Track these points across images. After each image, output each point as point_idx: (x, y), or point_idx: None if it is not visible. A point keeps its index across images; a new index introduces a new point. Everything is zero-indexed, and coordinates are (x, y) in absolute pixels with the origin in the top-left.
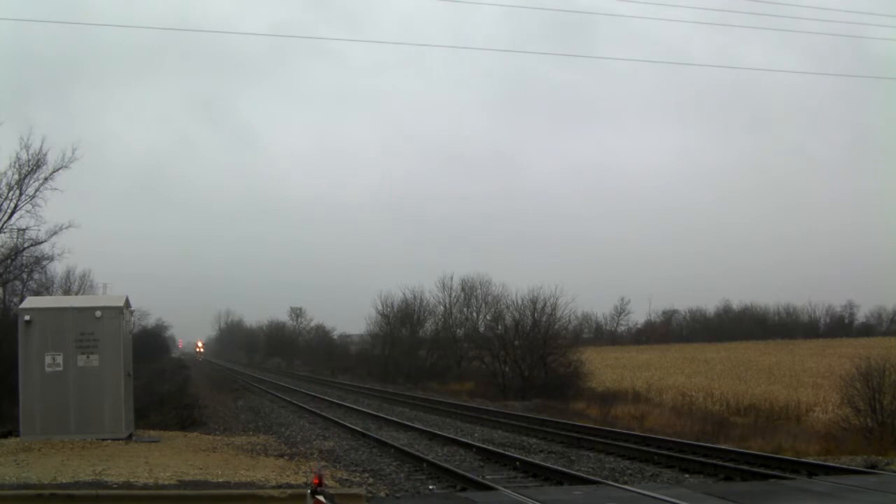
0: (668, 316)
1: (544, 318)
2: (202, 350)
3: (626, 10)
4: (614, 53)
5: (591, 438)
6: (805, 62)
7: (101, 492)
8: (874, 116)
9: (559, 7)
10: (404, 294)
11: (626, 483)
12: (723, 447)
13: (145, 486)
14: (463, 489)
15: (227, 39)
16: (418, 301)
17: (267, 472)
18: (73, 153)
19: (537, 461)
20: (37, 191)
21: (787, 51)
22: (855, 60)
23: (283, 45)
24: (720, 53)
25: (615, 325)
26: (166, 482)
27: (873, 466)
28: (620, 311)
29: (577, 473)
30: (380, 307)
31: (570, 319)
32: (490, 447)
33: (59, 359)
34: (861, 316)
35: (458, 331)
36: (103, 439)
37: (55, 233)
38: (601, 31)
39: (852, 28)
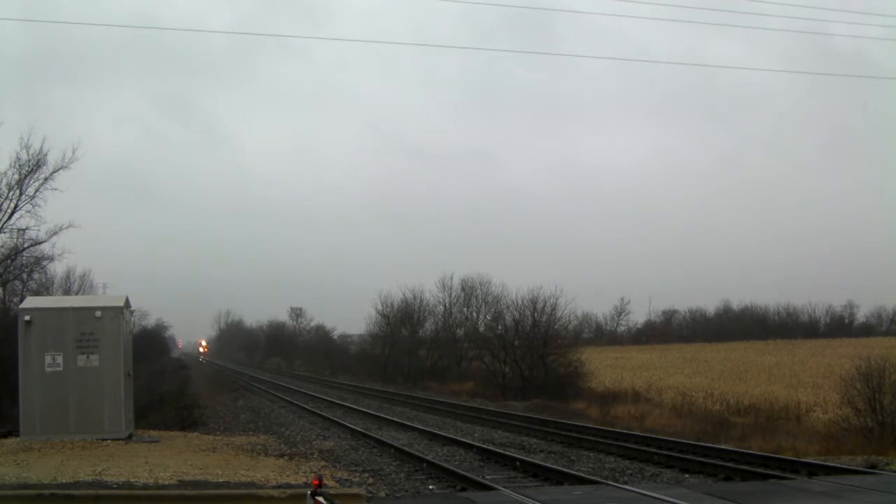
0: (668, 316)
1: (544, 318)
2: (206, 350)
3: (627, 10)
4: (614, 54)
5: (591, 438)
6: (803, 62)
7: (101, 492)
8: (875, 116)
9: (556, 7)
10: (404, 294)
11: (626, 483)
12: (723, 447)
13: (145, 486)
14: (463, 489)
15: (229, 40)
16: (418, 301)
17: (267, 472)
18: (73, 153)
19: (537, 461)
20: (37, 191)
21: (786, 50)
22: (855, 60)
23: (282, 45)
24: (720, 54)
25: (615, 325)
26: (166, 482)
27: (873, 466)
28: (620, 311)
29: (577, 473)
30: (380, 307)
31: (569, 319)
32: (490, 447)
33: (59, 359)
34: (861, 316)
35: (458, 331)
36: (103, 439)
37: (55, 233)
38: (600, 31)
39: (854, 28)
